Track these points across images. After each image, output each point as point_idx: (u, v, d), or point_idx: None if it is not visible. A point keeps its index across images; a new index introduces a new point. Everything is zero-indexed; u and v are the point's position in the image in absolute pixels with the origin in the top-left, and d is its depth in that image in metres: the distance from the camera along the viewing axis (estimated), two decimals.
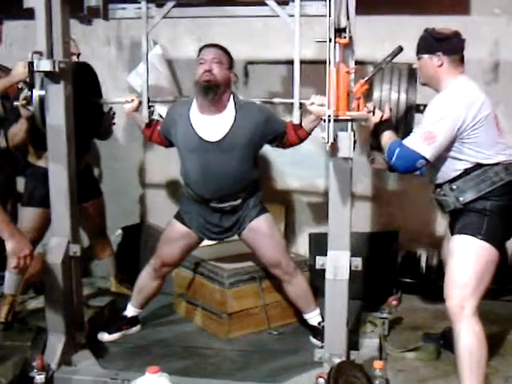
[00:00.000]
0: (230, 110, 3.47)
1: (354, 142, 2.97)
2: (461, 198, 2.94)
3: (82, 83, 3.50)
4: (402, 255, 4.59)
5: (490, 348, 2.85)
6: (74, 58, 3.93)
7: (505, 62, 4.38)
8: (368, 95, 3.09)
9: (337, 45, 2.75)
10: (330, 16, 2.67)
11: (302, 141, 3.57)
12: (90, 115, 3.66)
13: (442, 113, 2.88)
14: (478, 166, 2.92)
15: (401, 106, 3.18)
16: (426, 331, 3.75)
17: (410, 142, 2.92)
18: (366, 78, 2.92)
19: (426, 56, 3.02)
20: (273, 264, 3.66)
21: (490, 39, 4.35)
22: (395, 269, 4.50)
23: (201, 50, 3.48)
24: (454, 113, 2.86)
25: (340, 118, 2.77)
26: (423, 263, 4.56)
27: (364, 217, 4.65)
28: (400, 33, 4.21)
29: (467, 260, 2.89)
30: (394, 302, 3.89)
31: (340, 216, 3.10)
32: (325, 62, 2.70)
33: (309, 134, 3.52)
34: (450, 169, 2.97)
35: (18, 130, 3.81)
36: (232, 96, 3.50)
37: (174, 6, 3.35)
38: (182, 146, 3.56)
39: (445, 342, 3.48)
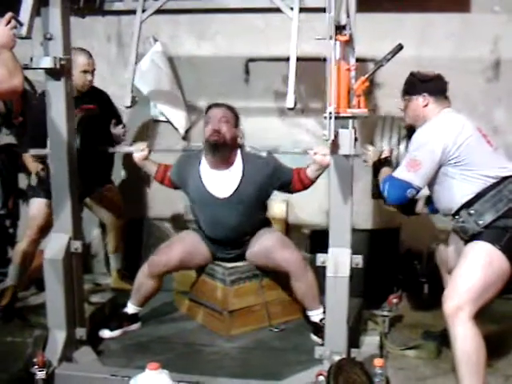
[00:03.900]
0: (237, 165, 3.65)
1: (355, 140, 2.98)
2: (480, 222, 2.92)
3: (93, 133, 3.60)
4: (402, 253, 4.59)
5: (489, 346, 2.83)
6: (88, 77, 3.98)
7: (505, 59, 4.38)
8: (368, 92, 3.12)
9: (337, 42, 2.75)
10: (330, 13, 2.67)
11: (307, 188, 3.73)
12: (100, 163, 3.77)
13: (423, 140, 2.98)
14: (490, 186, 2.92)
15: (400, 157, 3.29)
16: (426, 329, 3.75)
17: (398, 173, 3.01)
18: (367, 75, 2.92)
19: (412, 97, 3.17)
20: (286, 263, 3.67)
21: (490, 37, 4.35)
22: (396, 266, 4.50)
23: (208, 108, 3.65)
24: (434, 138, 2.94)
25: (341, 115, 2.76)
26: (424, 260, 4.55)
27: (365, 214, 4.65)
28: (400, 30, 4.22)
29: (478, 264, 2.86)
30: (395, 300, 3.89)
31: (341, 213, 3.10)
32: (325, 60, 2.70)
33: (313, 181, 3.67)
34: (460, 194, 2.98)
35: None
36: (239, 151, 3.66)
37: None
38: (193, 198, 3.77)
39: (445, 340, 3.48)
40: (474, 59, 4.27)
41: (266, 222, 3.90)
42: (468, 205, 2.97)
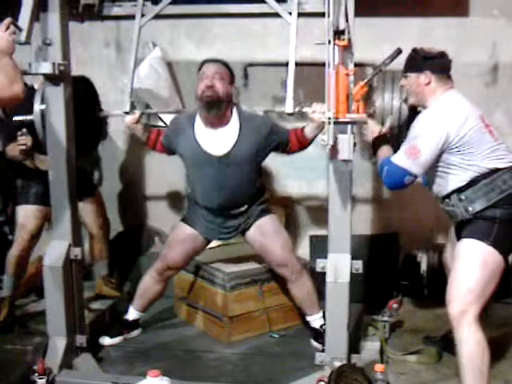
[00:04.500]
0: (234, 123, 3.51)
1: (354, 145, 2.97)
2: (470, 208, 2.92)
3: (81, 97, 3.52)
4: (402, 258, 4.58)
5: (490, 351, 2.82)
6: None
7: (504, 63, 4.38)
8: (367, 97, 3.10)
9: (336, 47, 2.75)
10: (328, 18, 2.67)
11: (304, 148, 3.61)
12: (90, 128, 3.68)
13: (426, 128, 2.90)
14: (485, 174, 2.90)
15: (403, 113, 3.19)
16: (426, 334, 3.75)
17: (397, 158, 2.94)
18: (366, 80, 2.92)
19: (413, 74, 3.04)
20: (280, 263, 3.65)
21: (488, 41, 4.35)
22: (396, 271, 4.50)
23: (202, 64, 3.51)
24: (438, 128, 2.87)
25: (340, 120, 2.76)
26: (424, 265, 4.54)
27: (364, 219, 4.65)
28: (399, 35, 4.22)
29: (473, 264, 2.86)
30: (395, 305, 3.88)
31: (340, 219, 3.09)
32: (324, 64, 2.70)
33: (311, 141, 3.55)
34: (455, 180, 2.96)
35: (16, 156, 3.87)
36: (235, 109, 3.54)
37: (169, 3, 3.37)
38: (187, 159, 3.61)
39: (446, 344, 3.48)
40: (473, 63, 4.27)
41: (262, 193, 3.72)
42: (460, 190, 2.95)
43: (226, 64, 3.51)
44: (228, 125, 3.50)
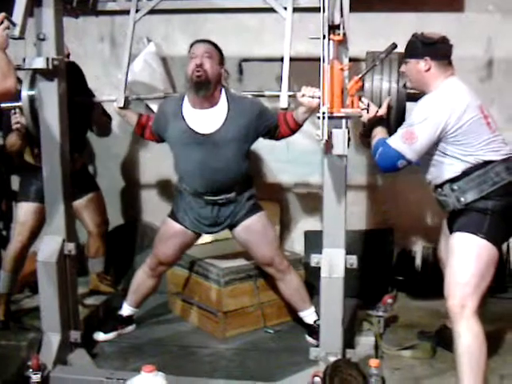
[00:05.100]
0: (222, 104, 3.47)
1: (349, 140, 2.97)
2: (462, 199, 2.92)
3: (70, 83, 3.48)
4: (397, 253, 4.59)
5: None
6: None
7: (499, 59, 4.39)
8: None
9: (331, 42, 2.75)
10: (323, 12, 2.66)
11: (293, 132, 3.57)
12: (79, 114, 3.64)
13: (425, 114, 2.88)
14: (479, 166, 2.90)
15: (392, 96, 3.16)
16: (421, 329, 3.75)
17: (393, 141, 2.92)
18: (360, 75, 2.91)
19: (413, 60, 3.01)
20: (265, 262, 3.67)
21: (483, 36, 4.35)
22: (390, 266, 4.50)
23: (192, 45, 3.48)
24: (437, 115, 2.86)
25: (334, 115, 2.76)
26: (418, 260, 4.55)
27: (359, 214, 4.64)
28: (394, 30, 4.21)
29: (468, 258, 2.87)
30: (390, 300, 3.88)
31: (335, 214, 3.09)
32: (319, 59, 2.69)
33: (300, 125, 3.51)
34: (449, 170, 2.96)
35: (15, 142, 3.82)
36: (224, 90, 3.50)
37: None
38: (175, 140, 3.55)
39: (440, 339, 3.48)
40: (468, 58, 4.26)
41: (250, 183, 3.67)
42: (453, 180, 2.95)
43: (215, 44, 3.48)
44: (216, 106, 3.46)
